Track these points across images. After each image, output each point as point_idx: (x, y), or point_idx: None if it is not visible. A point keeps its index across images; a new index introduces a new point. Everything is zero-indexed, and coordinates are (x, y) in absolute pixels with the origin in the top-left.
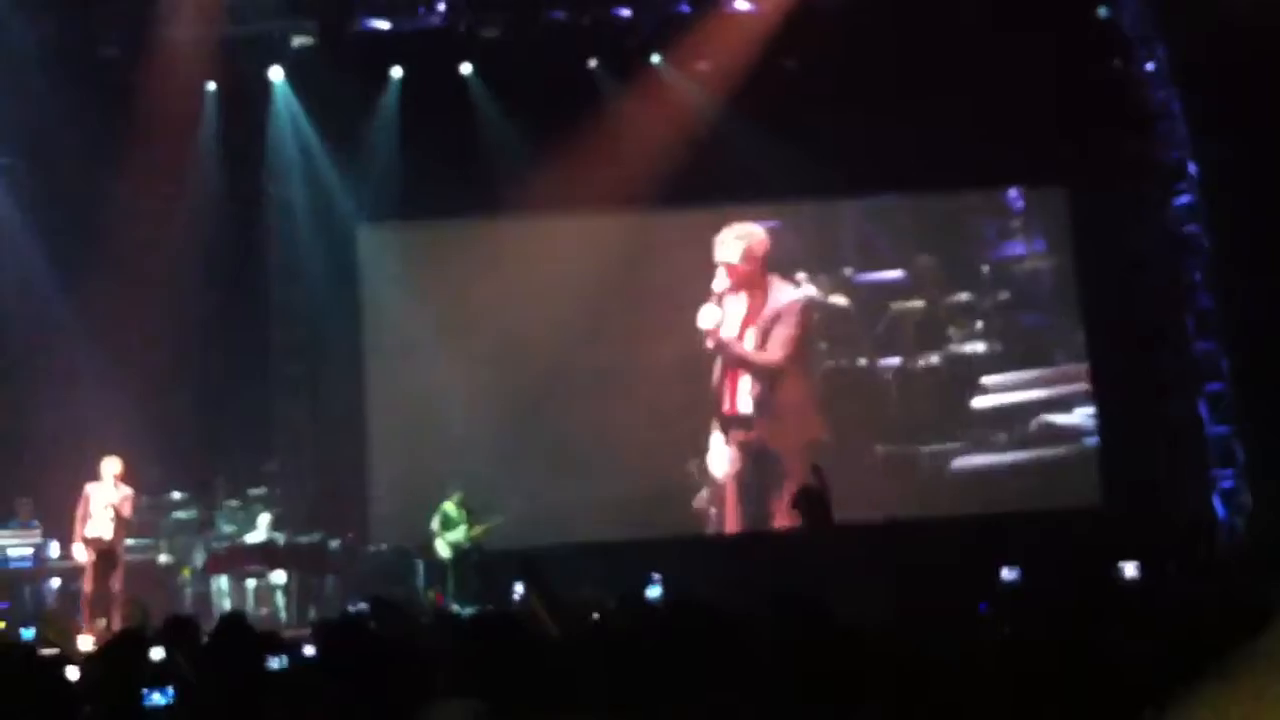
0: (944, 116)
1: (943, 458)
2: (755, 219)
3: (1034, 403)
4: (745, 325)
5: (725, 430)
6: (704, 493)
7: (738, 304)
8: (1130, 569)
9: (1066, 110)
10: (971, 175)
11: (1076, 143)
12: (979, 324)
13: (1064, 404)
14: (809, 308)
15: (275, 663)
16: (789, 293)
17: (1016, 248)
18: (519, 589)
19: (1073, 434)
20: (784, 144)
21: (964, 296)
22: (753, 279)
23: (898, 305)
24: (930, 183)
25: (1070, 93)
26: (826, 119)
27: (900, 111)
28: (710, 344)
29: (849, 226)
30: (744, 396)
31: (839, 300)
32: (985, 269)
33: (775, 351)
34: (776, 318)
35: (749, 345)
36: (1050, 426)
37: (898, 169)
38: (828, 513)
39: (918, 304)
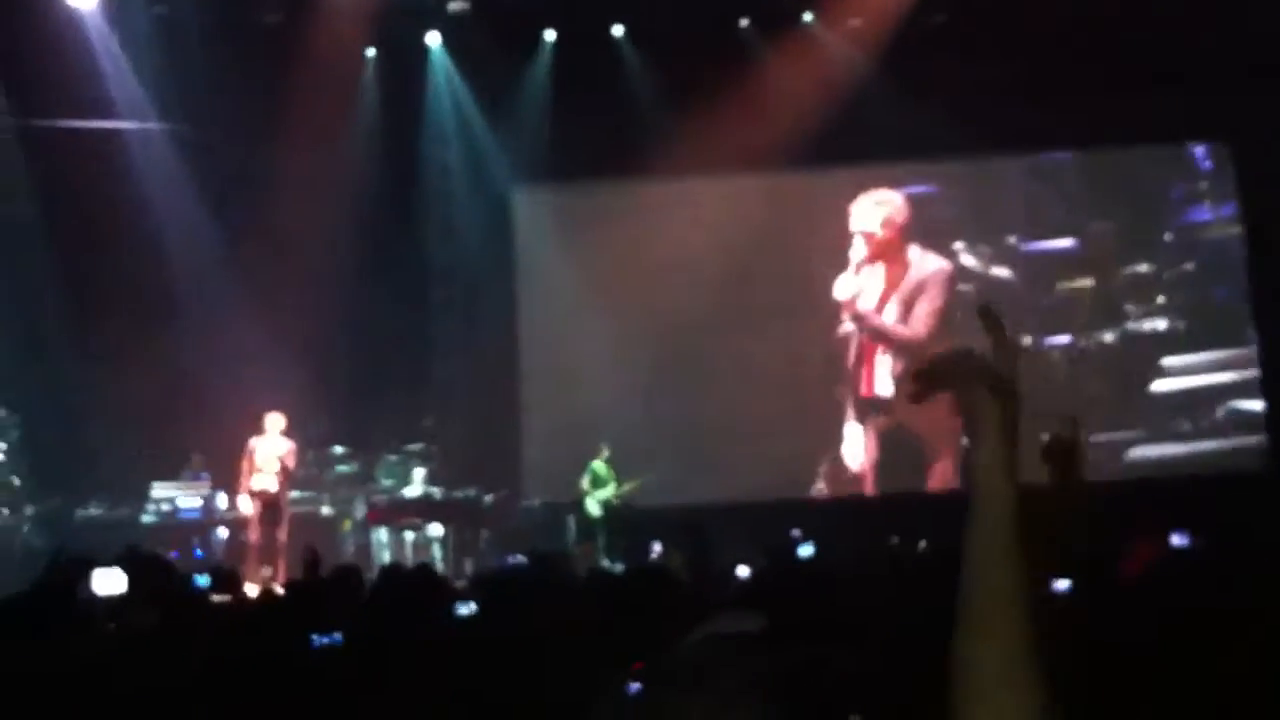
0: (1109, 68)
1: (1117, 448)
2: (908, 181)
3: (1222, 387)
4: (885, 298)
5: (862, 415)
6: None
7: (876, 275)
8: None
9: (1236, 62)
10: (1148, 130)
11: (1247, 97)
12: (1160, 298)
13: (1255, 389)
14: (955, 277)
15: (464, 609)
16: (933, 262)
17: (1202, 213)
18: (656, 548)
19: (1262, 422)
20: (938, 102)
21: (1143, 268)
22: (892, 248)
23: (1068, 277)
24: (1103, 138)
25: (1242, 43)
26: (982, 74)
27: (1061, 63)
28: (846, 316)
29: (1012, 189)
30: (883, 377)
31: (1001, 272)
32: (1167, 237)
33: (918, 325)
34: (920, 289)
35: (889, 319)
36: (1239, 414)
37: (1065, 124)
38: (1077, 467)
39: (1090, 276)
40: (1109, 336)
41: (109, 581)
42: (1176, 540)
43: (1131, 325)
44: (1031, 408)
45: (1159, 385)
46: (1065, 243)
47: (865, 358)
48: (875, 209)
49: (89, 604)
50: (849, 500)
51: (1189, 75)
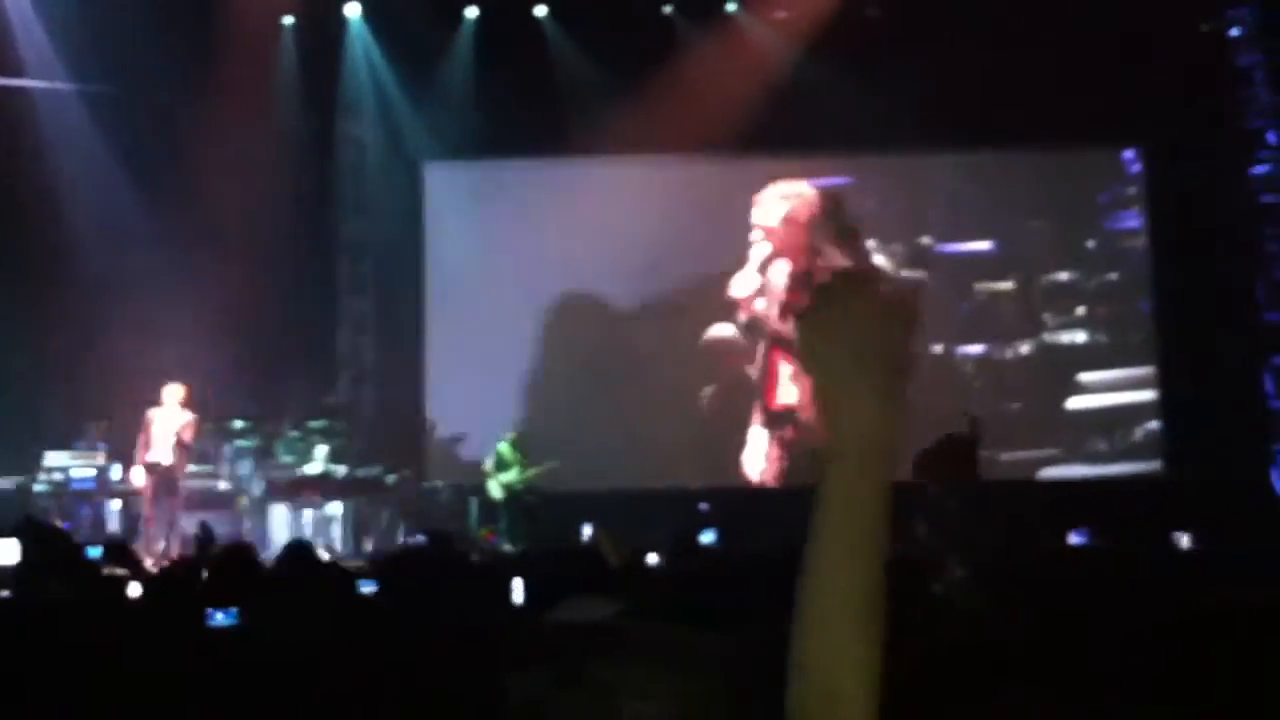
0: (1031, 70)
1: (1029, 467)
2: (823, 174)
3: (1143, 406)
4: (787, 299)
5: (768, 426)
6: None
7: (778, 273)
8: (1185, 539)
9: (1149, 71)
10: (1079, 132)
11: (1157, 105)
12: (1080, 309)
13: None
14: None
15: (366, 588)
16: (838, 260)
17: (1130, 219)
18: (587, 530)
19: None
20: (865, 94)
21: (1064, 276)
22: (796, 245)
23: (985, 283)
24: (1031, 139)
25: (1155, 53)
26: (911, 70)
27: (992, 61)
28: (743, 317)
29: (935, 187)
30: (787, 385)
31: (914, 274)
32: (1091, 244)
33: None
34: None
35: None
36: (1154, 437)
37: (992, 123)
38: (972, 467)
39: (1009, 282)
40: (1026, 348)
41: (3, 551)
42: (1075, 539)
43: (1049, 336)
44: (942, 420)
45: (1075, 402)
46: (983, 245)
47: (769, 363)
48: (778, 203)
49: None
50: (767, 488)
51: (1122, 78)
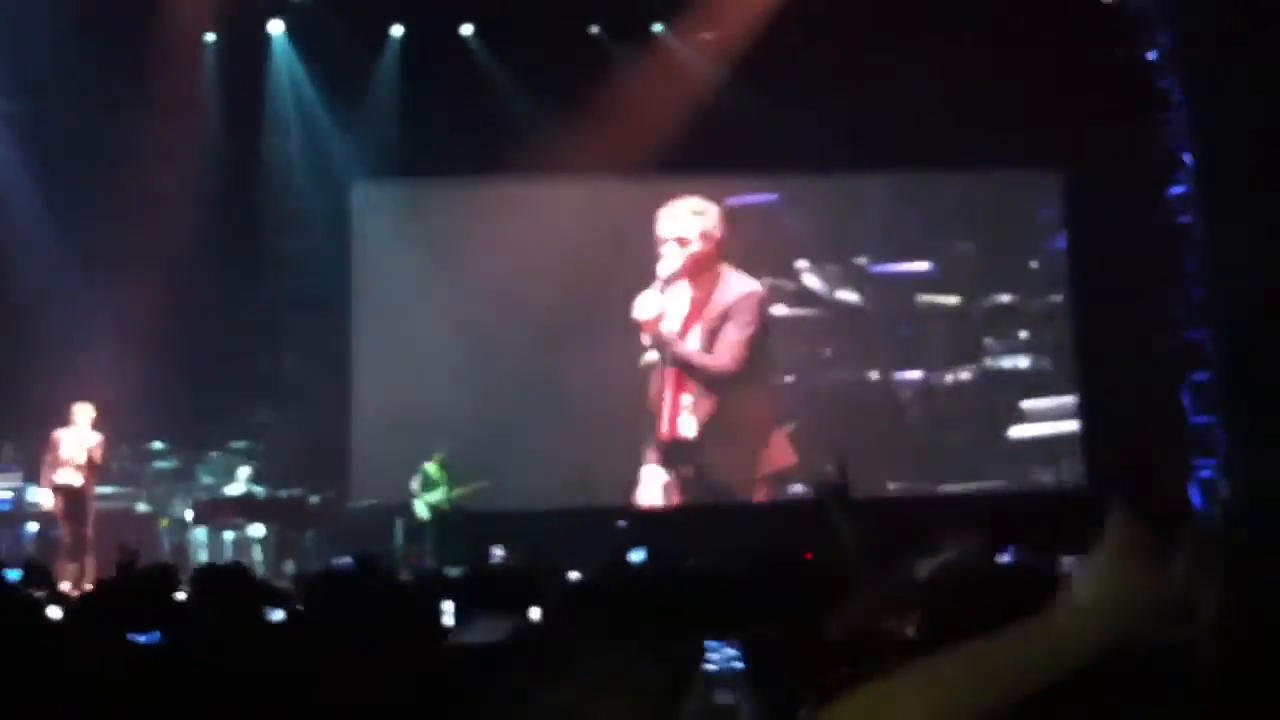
0: (956, 93)
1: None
2: (756, 192)
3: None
4: (689, 321)
5: (663, 461)
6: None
7: (681, 294)
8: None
9: (1069, 94)
10: (1017, 153)
11: (1078, 127)
12: (1023, 333)
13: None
14: (767, 302)
15: (276, 614)
16: (743, 283)
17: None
18: (497, 552)
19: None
20: (792, 115)
21: (1005, 298)
22: (705, 264)
23: (924, 304)
24: (969, 159)
25: (1072, 76)
26: (837, 92)
27: (910, 86)
28: (647, 340)
29: (867, 207)
30: (686, 416)
31: (848, 295)
32: (1035, 264)
33: (724, 355)
34: (726, 315)
35: (693, 345)
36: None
37: (920, 144)
38: (848, 505)
39: (949, 304)
40: (966, 373)
41: None
42: (1003, 558)
43: (991, 361)
44: (877, 451)
45: (1018, 431)
46: (920, 266)
47: (668, 389)
48: (692, 218)
49: None
50: (691, 508)
51: (1043, 101)
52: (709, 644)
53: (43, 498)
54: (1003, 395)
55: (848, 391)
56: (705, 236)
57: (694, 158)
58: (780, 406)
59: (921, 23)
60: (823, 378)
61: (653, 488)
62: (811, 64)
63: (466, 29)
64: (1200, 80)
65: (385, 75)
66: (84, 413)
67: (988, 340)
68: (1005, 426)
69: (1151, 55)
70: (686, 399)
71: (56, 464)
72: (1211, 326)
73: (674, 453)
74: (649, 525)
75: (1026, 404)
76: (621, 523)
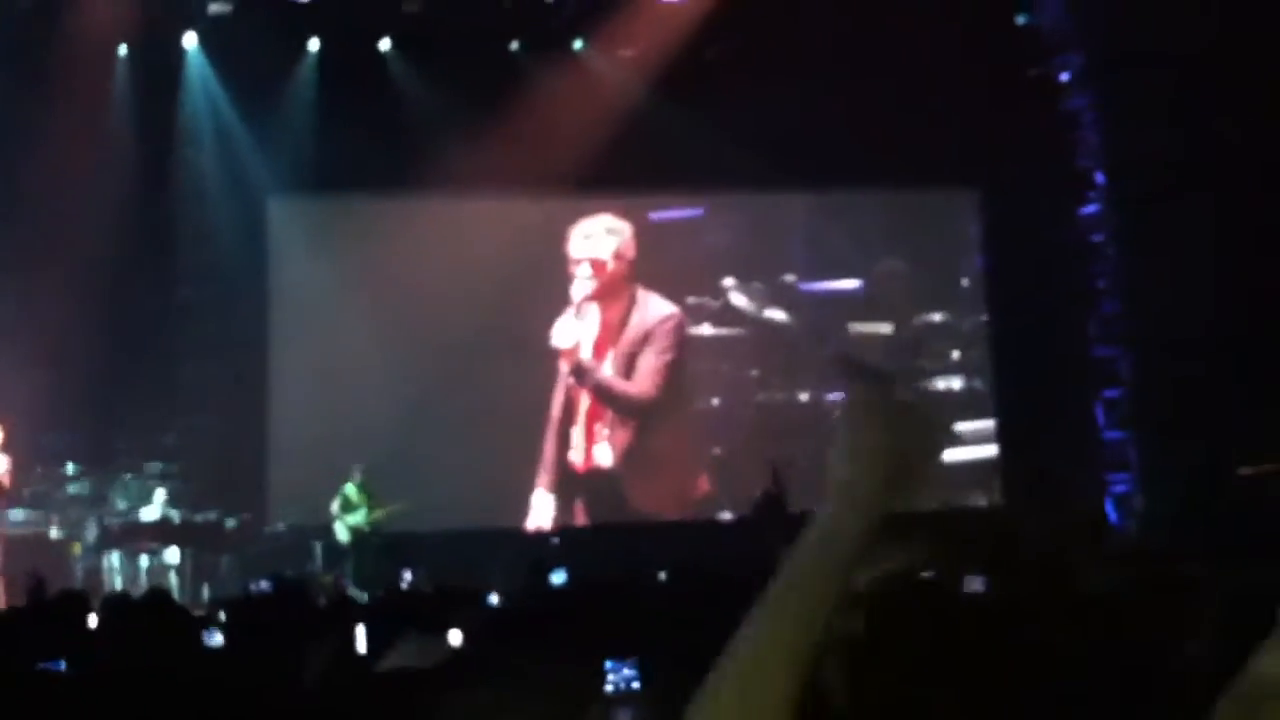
0: (872, 112)
1: None
2: (676, 208)
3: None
4: (602, 345)
5: (571, 491)
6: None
7: (592, 317)
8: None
9: (984, 113)
10: (943, 170)
11: (992, 146)
12: (955, 353)
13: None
14: (685, 326)
15: (212, 639)
16: (659, 307)
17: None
18: (407, 576)
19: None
20: (712, 132)
21: (938, 316)
22: (617, 286)
23: (854, 325)
24: (878, 178)
25: (988, 95)
26: (754, 109)
27: (826, 104)
28: (566, 367)
29: (793, 224)
30: (603, 445)
31: (776, 314)
32: (965, 282)
33: (644, 382)
34: (643, 340)
35: (607, 371)
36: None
37: (839, 161)
38: (783, 514)
39: (880, 324)
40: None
41: None
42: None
43: (923, 383)
44: (807, 472)
45: (952, 454)
46: (850, 284)
47: (584, 420)
48: (605, 237)
49: None
50: (612, 526)
51: (958, 120)
52: (608, 664)
53: None
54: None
55: (777, 412)
56: (618, 257)
57: (615, 175)
58: (701, 434)
59: (841, 40)
60: (751, 399)
61: (544, 513)
62: (731, 80)
63: (385, 43)
64: (1110, 101)
65: (302, 89)
66: None
67: (921, 361)
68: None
69: (1064, 76)
70: (602, 428)
71: None
72: (1122, 344)
73: (578, 483)
74: (569, 545)
75: (961, 426)
76: (554, 539)
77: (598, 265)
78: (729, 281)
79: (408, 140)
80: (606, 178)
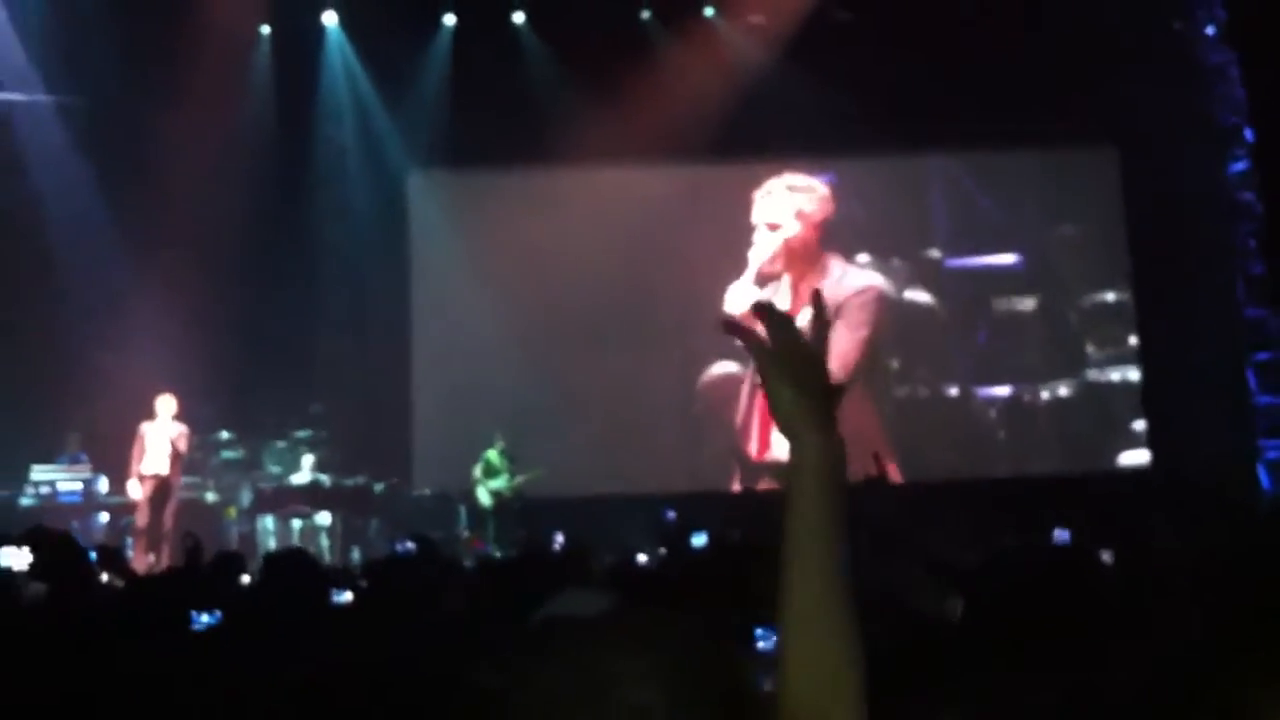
0: (1006, 70)
1: None
2: (809, 173)
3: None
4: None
5: (750, 480)
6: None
7: (781, 287)
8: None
9: (1124, 68)
10: (1042, 132)
11: (1133, 102)
12: (1132, 338)
13: None
14: (883, 299)
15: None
16: (857, 276)
17: None
18: (559, 538)
19: None
20: (842, 96)
21: (1110, 296)
22: (807, 252)
23: (1008, 306)
24: (1021, 138)
25: (1129, 51)
26: (887, 71)
27: (959, 63)
28: (739, 341)
29: (936, 190)
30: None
31: (919, 295)
32: (1108, 244)
33: (832, 362)
34: (837, 311)
35: None
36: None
37: (978, 121)
38: (889, 495)
39: (1038, 304)
40: (1064, 389)
41: (17, 558)
42: (1059, 535)
43: (1094, 373)
44: (953, 485)
45: (1131, 456)
46: (1005, 259)
47: (758, 403)
48: (787, 196)
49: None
50: (753, 494)
51: (1097, 77)
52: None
53: (131, 489)
54: (1110, 413)
55: (919, 410)
56: (803, 218)
57: (743, 141)
58: (886, 421)
59: None
60: (888, 393)
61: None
62: (861, 43)
63: (518, 17)
64: (1258, 54)
65: (437, 65)
66: (167, 404)
67: (1089, 348)
68: (1116, 451)
69: (1209, 29)
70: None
71: (143, 455)
72: (1272, 305)
73: (762, 476)
74: (709, 509)
75: (1141, 424)
76: (670, 514)
77: (774, 229)
78: (863, 258)
79: (541, 112)
80: (739, 144)
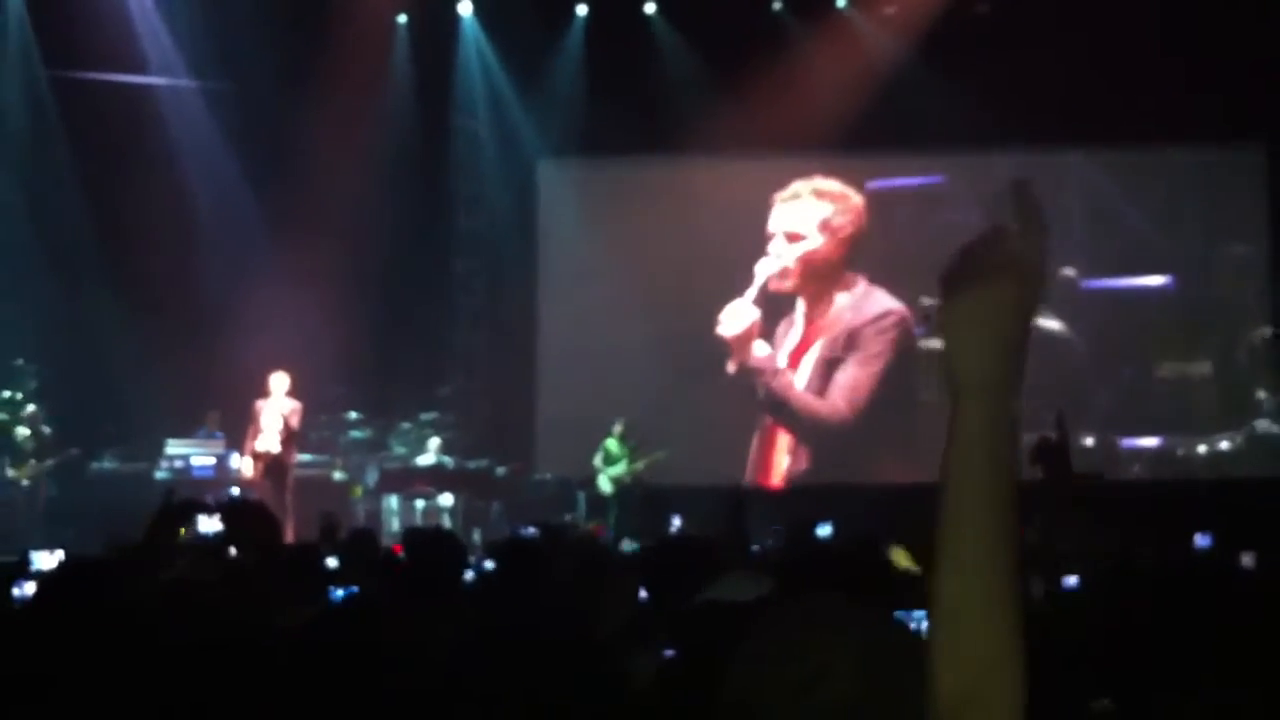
0: (1148, 66)
1: None
2: (932, 171)
3: None
4: (803, 346)
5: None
6: None
7: (791, 310)
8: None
9: (1265, 63)
10: (1183, 130)
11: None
12: (1249, 325)
13: None
14: (906, 325)
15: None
16: (878, 301)
17: None
18: (676, 521)
19: None
20: (975, 91)
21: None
22: (828, 270)
23: (1160, 340)
24: (1166, 138)
25: (1270, 43)
26: (1025, 66)
27: (1097, 60)
28: (733, 367)
29: (1073, 194)
30: (780, 465)
31: (1048, 323)
32: (1249, 250)
33: (838, 399)
34: (850, 342)
35: (800, 382)
36: None
37: (1122, 121)
38: (1067, 466)
39: (1196, 338)
40: (1225, 443)
41: (209, 525)
42: (1200, 541)
43: (1265, 424)
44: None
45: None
46: (1154, 281)
47: (767, 431)
48: (814, 204)
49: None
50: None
51: (1243, 73)
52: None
53: (244, 465)
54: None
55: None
56: (829, 230)
57: (873, 136)
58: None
59: None
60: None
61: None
62: (997, 36)
63: (649, 7)
64: None
65: (570, 55)
66: (280, 381)
67: (1260, 393)
68: None
69: None
70: (783, 444)
71: (257, 432)
72: None
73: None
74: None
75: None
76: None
77: (794, 240)
78: None
79: (672, 103)
80: (865, 137)
